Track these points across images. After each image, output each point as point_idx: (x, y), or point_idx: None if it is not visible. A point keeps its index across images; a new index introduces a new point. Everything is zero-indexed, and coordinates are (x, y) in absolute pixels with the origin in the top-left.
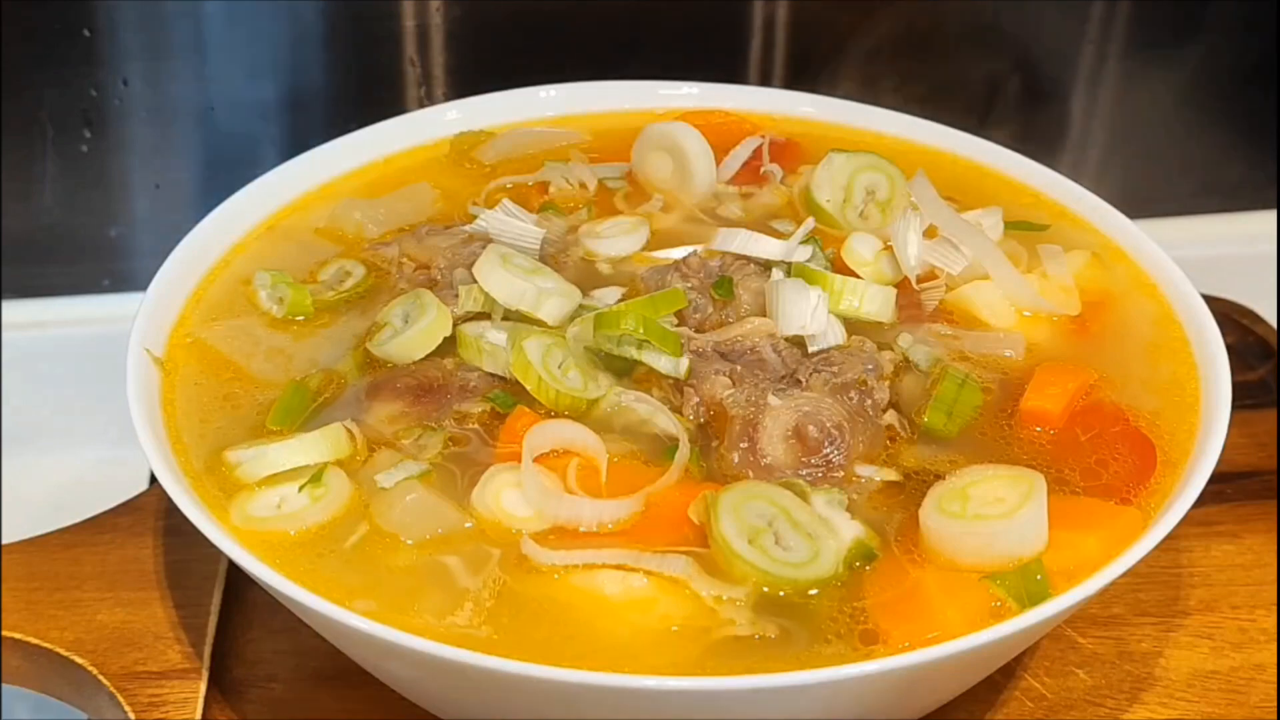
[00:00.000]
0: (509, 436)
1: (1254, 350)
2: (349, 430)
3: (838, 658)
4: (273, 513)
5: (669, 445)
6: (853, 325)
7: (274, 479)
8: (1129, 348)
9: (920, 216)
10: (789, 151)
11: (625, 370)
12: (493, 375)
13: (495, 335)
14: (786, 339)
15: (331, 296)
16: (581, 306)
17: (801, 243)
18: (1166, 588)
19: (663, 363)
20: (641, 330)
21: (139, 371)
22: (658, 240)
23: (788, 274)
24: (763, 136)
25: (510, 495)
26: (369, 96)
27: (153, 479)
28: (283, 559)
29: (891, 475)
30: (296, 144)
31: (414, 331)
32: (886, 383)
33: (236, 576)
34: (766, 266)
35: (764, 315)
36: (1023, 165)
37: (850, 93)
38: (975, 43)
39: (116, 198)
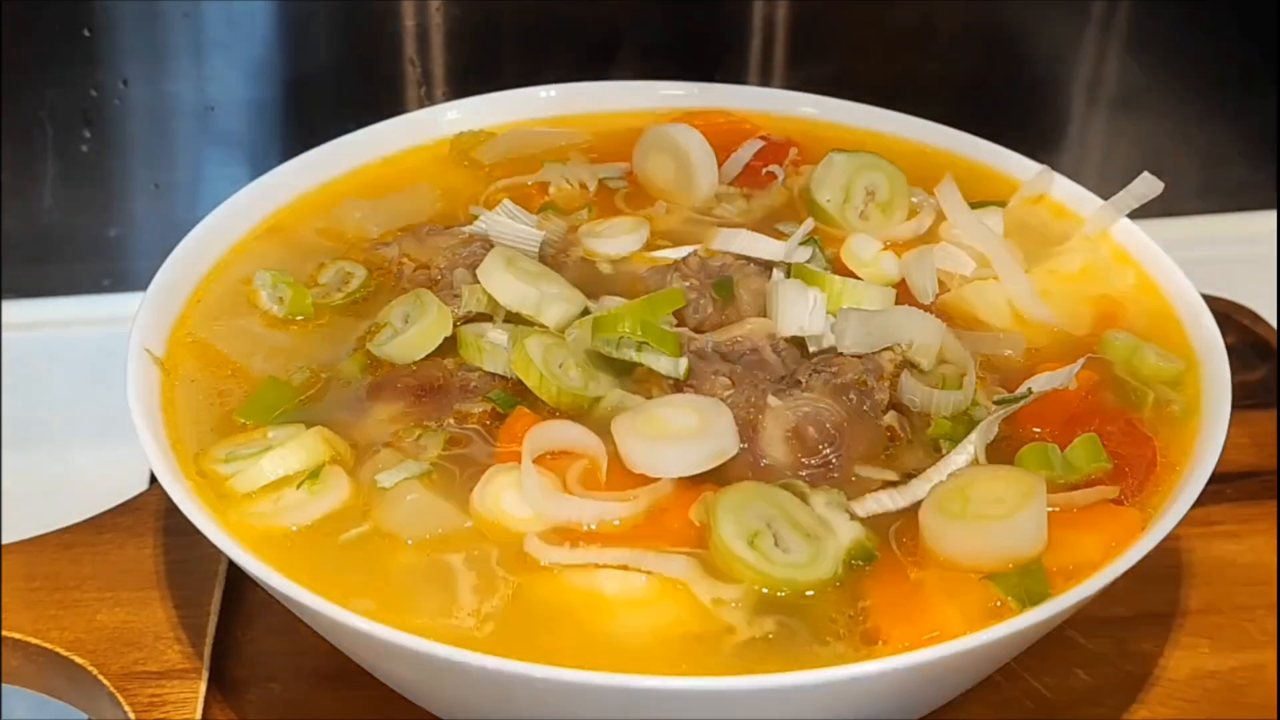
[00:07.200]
0: (509, 437)
1: (1254, 350)
2: (326, 436)
3: (838, 658)
4: (271, 508)
5: None
6: None
7: (268, 487)
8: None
9: (936, 250)
10: (789, 151)
11: (626, 370)
12: (493, 375)
13: (496, 335)
14: (787, 340)
15: (339, 299)
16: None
17: (801, 243)
18: (1166, 588)
19: (662, 363)
20: (640, 332)
21: (139, 371)
22: (658, 240)
23: (787, 275)
24: (763, 137)
25: (510, 496)
26: (369, 96)
27: (153, 479)
28: (282, 559)
29: (891, 475)
30: (296, 144)
31: (414, 331)
32: (886, 383)
33: (236, 576)
34: (767, 267)
35: (764, 316)
36: (1023, 165)
37: (850, 93)
38: (975, 43)
39: (116, 198)
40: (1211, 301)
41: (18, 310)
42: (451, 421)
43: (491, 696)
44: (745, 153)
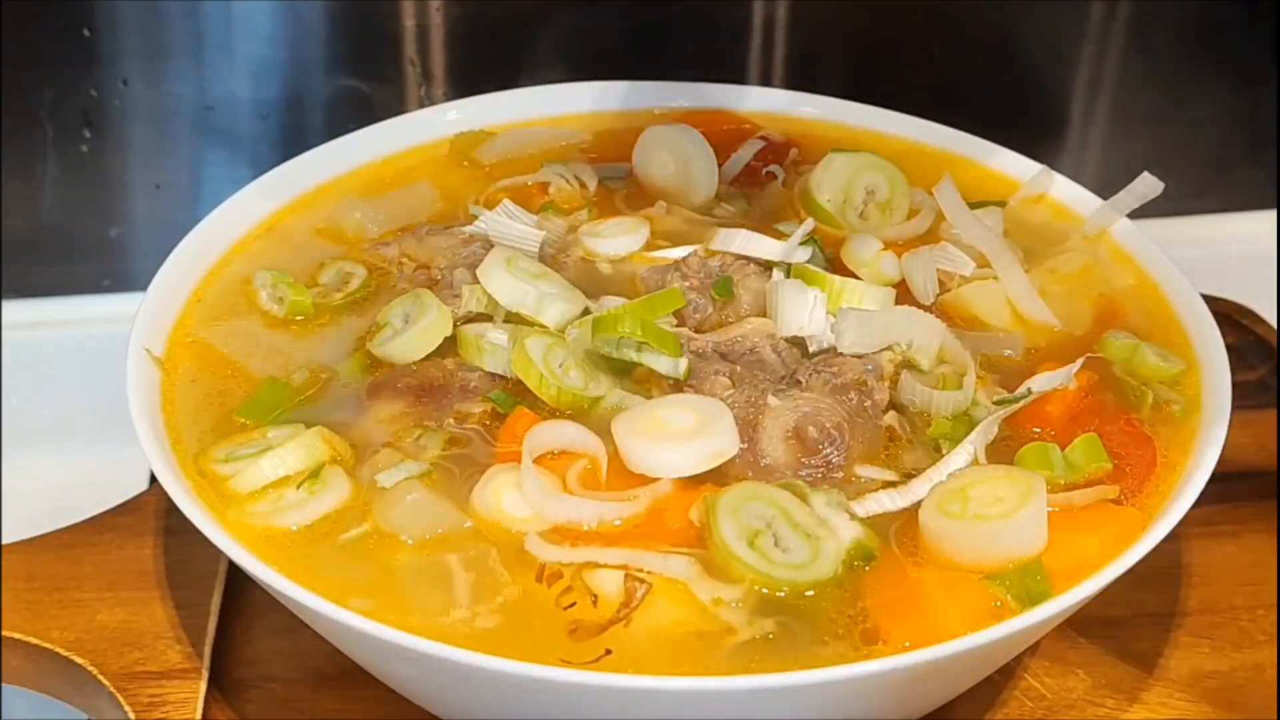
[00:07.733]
0: (509, 437)
1: (1254, 350)
2: (326, 436)
3: (838, 658)
4: (271, 508)
5: None
6: None
7: (268, 487)
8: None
9: (936, 250)
10: (789, 151)
11: (626, 370)
12: (493, 375)
13: (496, 335)
14: (787, 340)
15: (339, 299)
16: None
17: (801, 243)
18: (1166, 588)
19: (662, 364)
20: (639, 332)
21: (139, 371)
22: (658, 240)
23: (787, 275)
24: (763, 137)
25: (510, 496)
26: (369, 96)
27: (153, 479)
28: (282, 559)
29: (891, 476)
30: (296, 144)
31: (414, 331)
32: (886, 383)
33: (236, 576)
34: (767, 267)
35: (764, 316)
36: (1023, 165)
37: (850, 93)
38: (975, 43)
39: (116, 198)
40: (1211, 301)
41: (18, 310)
42: (451, 421)
43: (491, 696)
44: (745, 153)
